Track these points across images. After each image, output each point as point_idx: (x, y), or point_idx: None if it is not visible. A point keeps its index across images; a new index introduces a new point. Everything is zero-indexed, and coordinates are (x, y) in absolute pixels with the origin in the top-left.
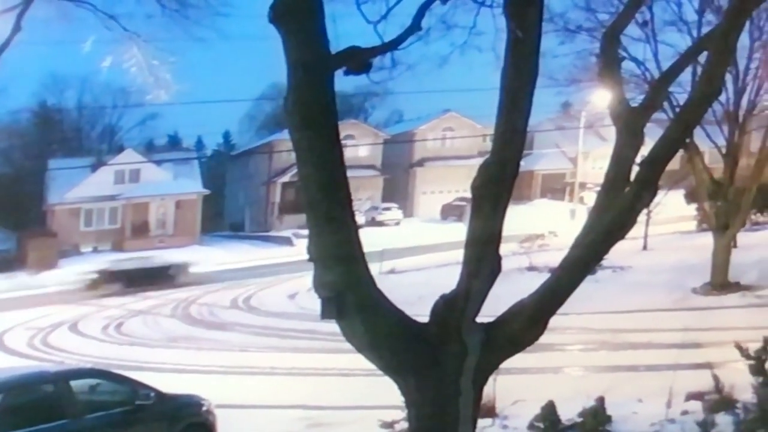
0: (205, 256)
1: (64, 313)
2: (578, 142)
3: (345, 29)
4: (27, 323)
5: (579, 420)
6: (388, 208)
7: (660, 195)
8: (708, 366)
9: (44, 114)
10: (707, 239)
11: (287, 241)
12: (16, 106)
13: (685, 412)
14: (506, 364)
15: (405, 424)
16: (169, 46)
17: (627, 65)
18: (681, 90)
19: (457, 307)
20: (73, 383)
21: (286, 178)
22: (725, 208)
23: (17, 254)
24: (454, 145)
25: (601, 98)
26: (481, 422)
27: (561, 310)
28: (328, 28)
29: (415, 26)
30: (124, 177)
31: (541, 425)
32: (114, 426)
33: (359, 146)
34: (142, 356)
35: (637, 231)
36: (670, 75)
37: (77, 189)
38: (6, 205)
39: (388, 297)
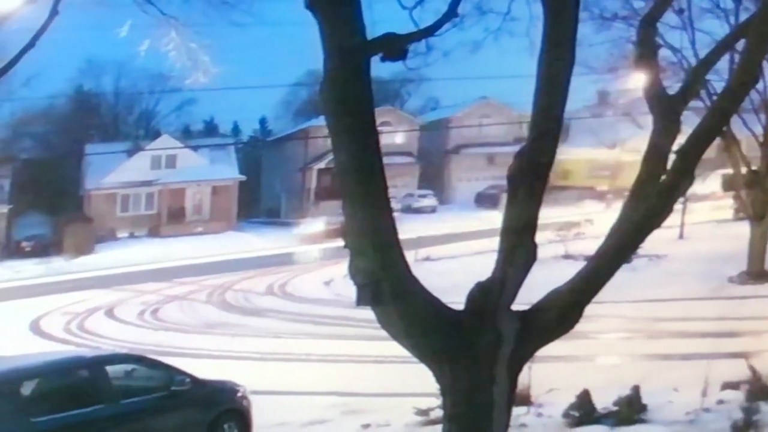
0: (241, 242)
1: (100, 299)
2: (615, 131)
3: (381, 15)
4: (63, 308)
5: (614, 409)
6: (423, 196)
7: (697, 183)
8: (744, 355)
9: (81, 99)
10: (744, 228)
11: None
12: (53, 91)
13: (720, 402)
14: (541, 352)
15: (440, 412)
16: (206, 30)
17: (664, 53)
18: (718, 78)
19: (492, 295)
20: (109, 368)
21: (322, 165)
22: (762, 197)
23: (54, 239)
24: (490, 132)
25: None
26: (516, 410)
27: (596, 298)
28: (364, 14)
29: (451, 12)
30: (161, 162)
31: (576, 414)
32: (149, 412)
33: (395, 133)
34: (177, 342)
35: (673, 219)
36: (707, 63)
37: (114, 174)
38: (43, 190)
39: (423, 284)
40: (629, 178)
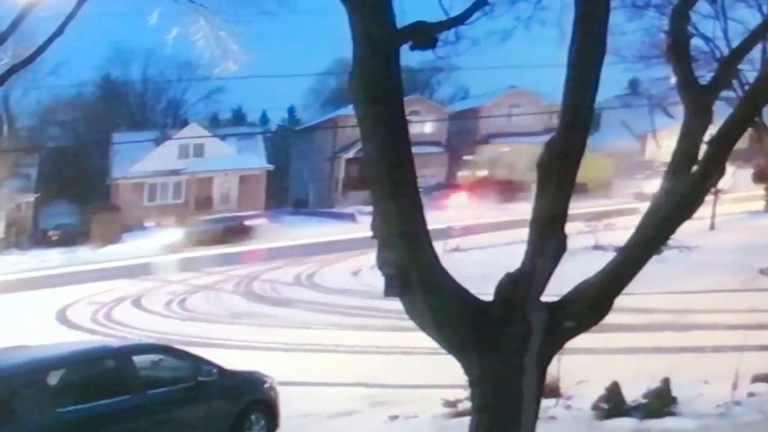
0: (269, 232)
1: (127, 288)
2: (646, 121)
3: (410, 4)
4: (90, 298)
5: (644, 401)
6: None
7: (728, 174)
8: None
9: (109, 87)
10: None
11: (351, 218)
12: (81, 79)
13: (751, 394)
14: (571, 344)
15: (468, 404)
16: (235, 18)
17: (696, 42)
18: (750, 68)
19: (521, 286)
20: (136, 358)
21: (350, 154)
22: None
23: (81, 229)
24: (520, 122)
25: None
26: (545, 402)
27: (626, 290)
28: (393, 3)
29: (481, 1)
30: (189, 151)
31: (606, 406)
32: (176, 402)
33: (424, 122)
34: (204, 332)
35: (704, 211)
36: (740, 52)
37: (141, 163)
38: (70, 179)
39: (452, 275)
40: (581, 173)
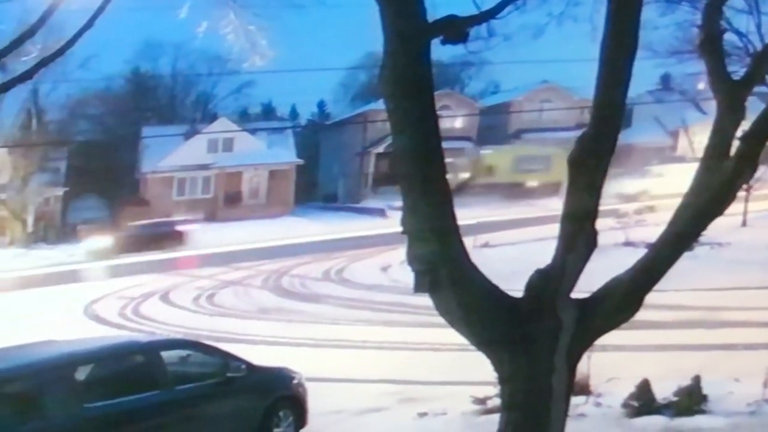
0: (298, 227)
1: (155, 283)
2: (678, 116)
3: None
4: (118, 293)
5: (674, 399)
6: None
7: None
8: None
9: (138, 81)
10: None
11: (380, 213)
12: (111, 72)
13: None
14: (601, 341)
15: (497, 401)
16: (265, 12)
17: (729, 37)
18: None
19: (551, 282)
20: (164, 354)
21: (380, 149)
22: None
23: (110, 223)
24: (551, 116)
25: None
26: (575, 399)
27: (657, 286)
28: None
29: None
30: (218, 146)
31: (636, 404)
32: (204, 398)
33: (455, 117)
34: (233, 327)
35: (735, 207)
36: None
37: (170, 157)
38: (99, 172)
39: (482, 271)
40: (563, 171)
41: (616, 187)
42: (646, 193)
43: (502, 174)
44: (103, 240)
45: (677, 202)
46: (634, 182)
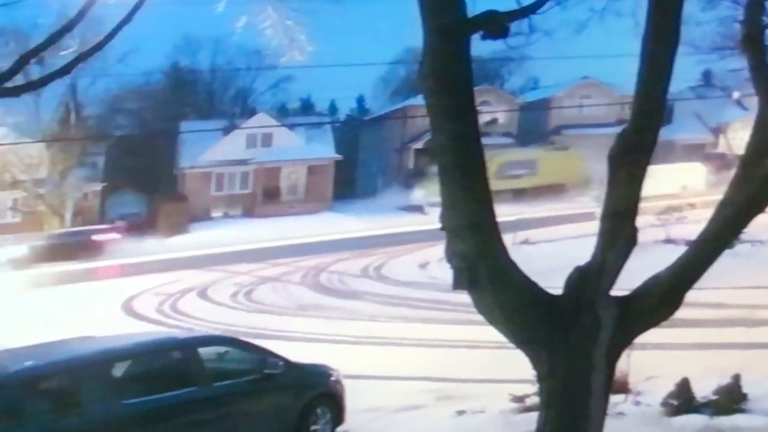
0: (337, 223)
1: (193, 279)
2: (719, 113)
3: None
4: (156, 288)
5: (714, 398)
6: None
7: None
8: None
9: (177, 76)
10: None
11: (419, 209)
12: (149, 67)
13: None
14: (640, 339)
15: (535, 399)
16: (303, 7)
17: None
18: None
19: (591, 279)
20: (202, 350)
21: (419, 145)
22: None
23: (148, 218)
24: (592, 112)
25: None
26: (614, 398)
27: (697, 284)
28: None
29: None
30: (256, 141)
31: (675, 402)
32: (241, 395)
33: (495, 113)
34: (270, 324)
35: None
36: None
37: (209, 152)
38: (137, 168)
39: (521, 268)
40: (553, 173)
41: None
42: None
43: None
44: (20, 249)
45: (664, 203)
46: None
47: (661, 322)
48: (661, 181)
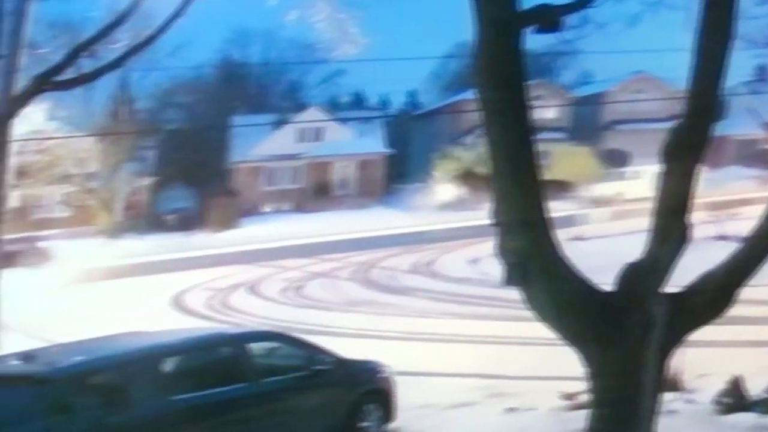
0: (388, 218)
1: (243, 274)
2: None
3: None
4: (206, 284)
5: (766, 396)
6: None
7: None
8: None
9: (228, 69)
10: None
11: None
12: (200, 61)
13: None
14: (693, 337)
15: (586, 396)
16: (355, 0)
17: None
18: None
19: (643, 276)
20: (251, 346)
21: (471, 140)
22: None
23: (198, 213)
24: (645, 107)
25: None
26: (665, 396)
27: (751, 281)
28: None
29: None
30: (307, 135)
31: (727, 400)
32: (291, 391)
33: (547, 107)
34: (320, 320)
35: None
36: None
37: (260, 147)
38: (188, 162)
39: (573, 264)
40: (561, 170)
41: (590, 191)
42: (621, 196)
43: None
44: None
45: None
46: (608, 185)
47: (714, 319)
48: (651, 182)
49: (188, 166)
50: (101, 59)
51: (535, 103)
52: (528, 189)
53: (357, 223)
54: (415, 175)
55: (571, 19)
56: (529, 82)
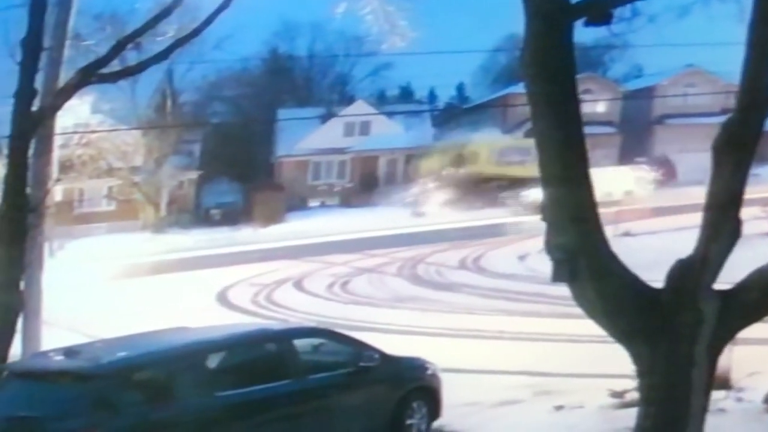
0: (435, 213)
1: (289, 270)
2: None
3: None
4: (251, 279)
5: None
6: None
7: None
8: None
9: (274, 62)
10: None
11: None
12: (246, 53)
13: None
14: (743, 334)
15: (635, 394)
16: None
17: None
18: None
19: (693, 272)
20: (297, 342)
21: (520, 134)
22: None
23: (244, 207)
24: (696, 101)
25: None
26: (715, 394)
27: None
28: None
29: None
30: (354, 129)
31: None
32: (336, 388)
33: (597, 101)
34: (366, 316)
35: None
36: None
37: (306, 141)
38: (234, 156)
39: (622, 261)
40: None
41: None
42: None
43: (484, 166)
44: None
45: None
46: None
47: (765, 316)
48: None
49: (234, 160)
50: (147, 52)
51: (584, 97)
52: (577, 184)
53: (403, 218)
54: None
55: (620, 11)
56: (579, 76)
